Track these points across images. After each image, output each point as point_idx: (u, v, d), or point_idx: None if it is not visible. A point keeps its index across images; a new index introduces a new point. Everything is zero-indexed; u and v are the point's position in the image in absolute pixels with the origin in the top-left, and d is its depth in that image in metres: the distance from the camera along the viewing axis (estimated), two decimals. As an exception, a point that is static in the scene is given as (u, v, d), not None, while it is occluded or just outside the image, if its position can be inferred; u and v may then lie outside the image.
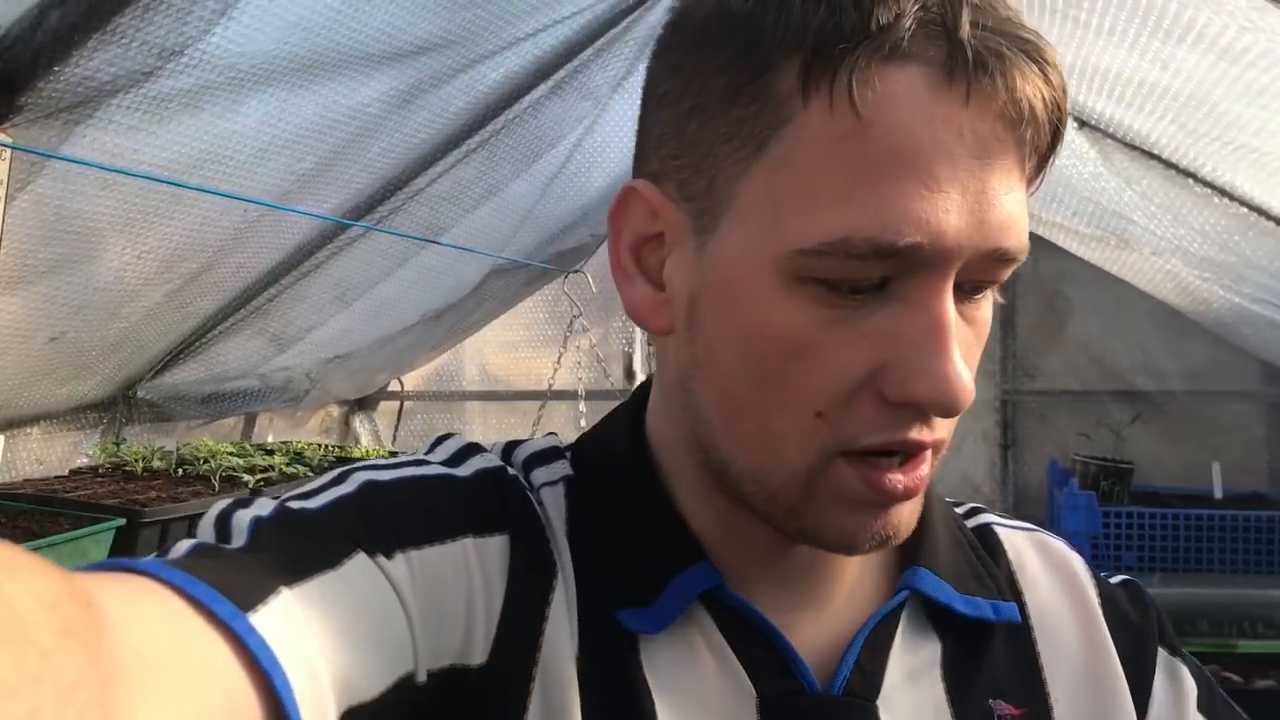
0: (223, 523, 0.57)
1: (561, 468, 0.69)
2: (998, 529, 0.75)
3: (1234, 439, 3.76)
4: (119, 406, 2.72)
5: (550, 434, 0.75)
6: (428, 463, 0.66)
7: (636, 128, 0.64)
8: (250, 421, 3.45)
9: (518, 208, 3.01)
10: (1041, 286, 3.93)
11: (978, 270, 0.54)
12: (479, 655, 0.57)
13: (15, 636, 0.32)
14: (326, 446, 3.32)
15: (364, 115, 2.10)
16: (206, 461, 2.59)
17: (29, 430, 2.52)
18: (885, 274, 0.52)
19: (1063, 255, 3.65)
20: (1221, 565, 3.01)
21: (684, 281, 0.60)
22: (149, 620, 0.43)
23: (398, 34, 1.89)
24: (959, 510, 0.77)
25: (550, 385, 3.81)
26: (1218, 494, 3.30)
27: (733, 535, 0.64)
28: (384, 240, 2.68)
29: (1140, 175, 2.76)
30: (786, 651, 0.61)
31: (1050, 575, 0.72)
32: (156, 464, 2.58)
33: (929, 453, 0.57)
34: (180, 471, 2.57)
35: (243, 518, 0.56)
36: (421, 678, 0.55)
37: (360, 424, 4.17)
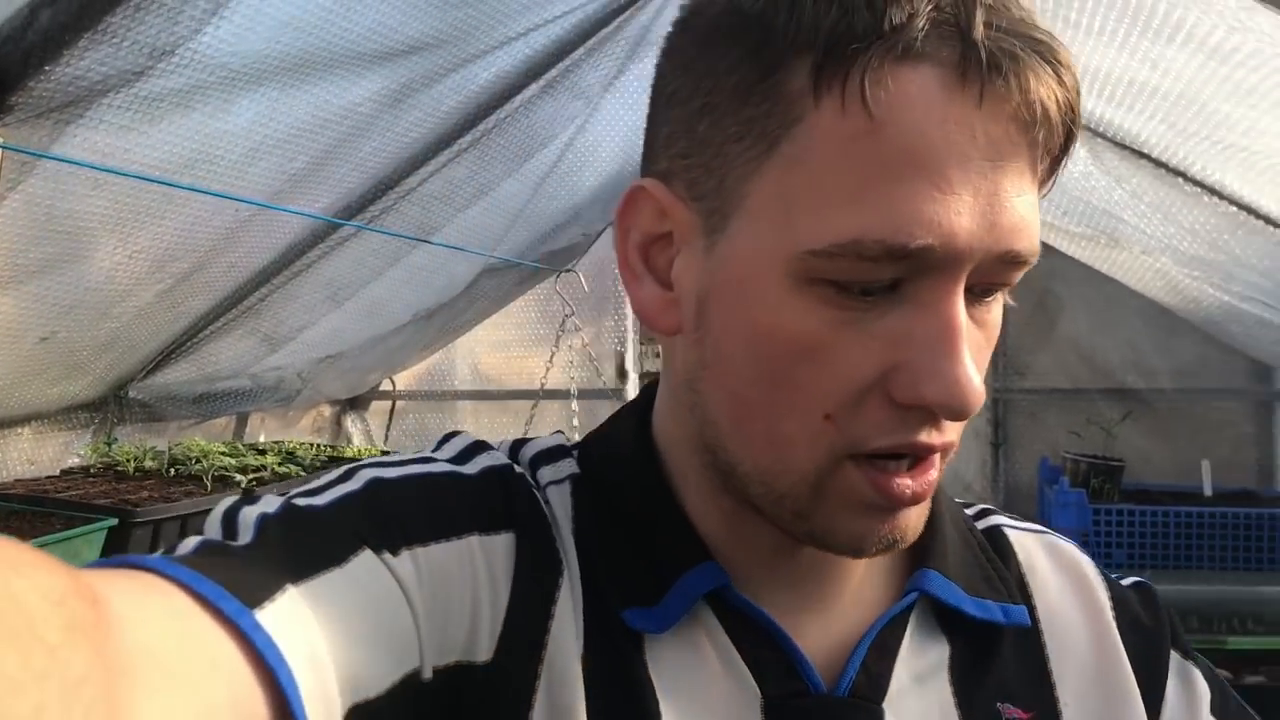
0: (229, 519, 0.57)
1: (568, 466, 0.69)
2: (1008, 531, 0.75)
3: (1223, 436, 3.77)
4: (110, 406, 2.71)
5: (557, 432, 0.75)
6: (434, 460, 0.66)
7: (645, 126, 0.64)
8: (242, 421, 3.45)
9: (509, 207, 3.00)
10: (1032, 285, 3.94)
11: (989, 273, 0.54)
12: (484, 653, 0.57)
13: (21, 632, 0.32)
14: (318, 446, 3.32)
15: (355, 115, 2.09)
16: (198, 461, 2.58)
17: (20, 430, 2.51)
18: (896, 276, 0.52)
19: (1053, 254, 3.66)
20: (1211, 562, 3.02)
21: (693, 281, 0.59)
22: (155, 617, 0.43)
23: (389, 33, 1.88)
24: (969, 512, 0.76)
25: (542, 385, 3.81)
26: (1207, 491, 3.31)
27: (738, 536, 0.64)
28: (375, 240, 2.67)
29: (1130, 174, 2.77)
30: (792, 652, 0.61)
31: (1060, 578, 0.72)
32: (148, 464, 2.57)
33: (937, 456, 0.57)
34: (172, 471, 2.56)
35: (249, 515, 0.56)
36: (427, 675, 0.55)
37: (352, 424, 4.17)
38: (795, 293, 0.53)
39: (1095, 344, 3.93)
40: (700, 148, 0.57)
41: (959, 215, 0.50)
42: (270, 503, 0.58)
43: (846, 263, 0.51)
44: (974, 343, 0.54)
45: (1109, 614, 0.70)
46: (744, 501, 0.61)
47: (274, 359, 3.08)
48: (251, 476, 2.53)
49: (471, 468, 0.65)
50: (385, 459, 0.65)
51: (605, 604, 0.61)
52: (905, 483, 0.55)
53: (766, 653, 0.61)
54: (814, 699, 0.61)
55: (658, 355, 4.01)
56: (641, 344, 4.06)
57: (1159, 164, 2.62)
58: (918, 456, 0.56)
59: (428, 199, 2.64)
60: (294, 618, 0.49)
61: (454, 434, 0.71)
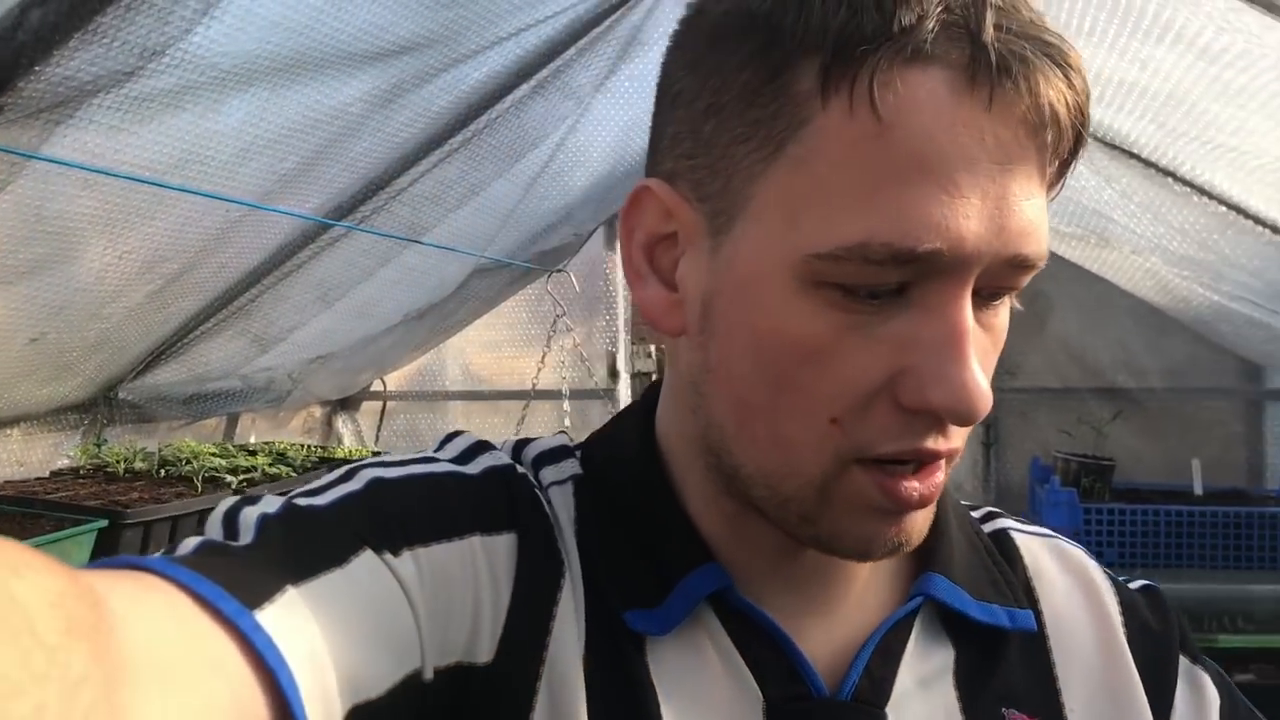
0: (230, 520, 0.57)
1: (571, 466, 0.68)
2: (1015, 535, 0.74)
3: (1213, 435, 3.79)
4: (100, 408, 2.70)
5: (560, 432, 0.74)
6: (436, 460, 0.66)
7: (650, 125, 0.63)
8: (232, 422, 3.44)
9: (500, 207, 3.00)
10: (1022, 285, 3.94)
11: (996, 277, 0.53)
12: (485, 654, 0.57)
13: (21, 634, 0.32)
14: (309, 447, 3.31)
15: (346, 115, 2.09)
16: (189, 462, 2.58)
17: (9, 432, 2.50)
18: (903, 279, 0.52)
19: (1043, 253, 3.66)
20: (1201, 561, 3.03)
21: (697, 283, 0.59)
22: (155, 618, 0.43)
23: (380, 33, 1.88)
24: (975, 515, 0.76)
25: (534, 385, 3.81)
26: (1198, 490, 3.32)
27: (741, 538, 0.64)
28: (366, 240, 2.67)
29: (1120, 174, 2.78)
30: (794, 656, 0.61)
31: (1068, 582, 0.71)
32: (138, 465, 2.56)
33: (943, 460, 0.57)
34: (162, 472, 2.56)
35: (250, 515, 0.56)
36: (428, 675, 0.55)
37: (343, 424, 4.16)
38: (801, 296, 0.53)
39: (1086, 343, 3.94)
40: (706, 148, 0.56)
41: (967, 219, 0.50)
42: (271, 503, 0.58)
43: (853, 266, 0.51)
44: (980, 347, 0.54)
45: (1117, 619, 0.70)
46: (747, 504, 0.61)
47: (264, 360, 3.08)
48: (242, 478, 2.52)
49: (474, 468, 0.65)
50: (387, 459, 0.64)
51: (607, 605, 0.61)
52: (913, 485, 0.55)
53: (768, 655, 0.61)
54: (816, 703, 0.60)
55: (649, 355, 4.02)
56: (633, 344, 4.06)
57: (1148, 164, 2.63)
58: (923, 462, 0.55)
59: (419, 199, 2.64)
60: (294, 618, 0.49)
61: (456, 434, 0.70)
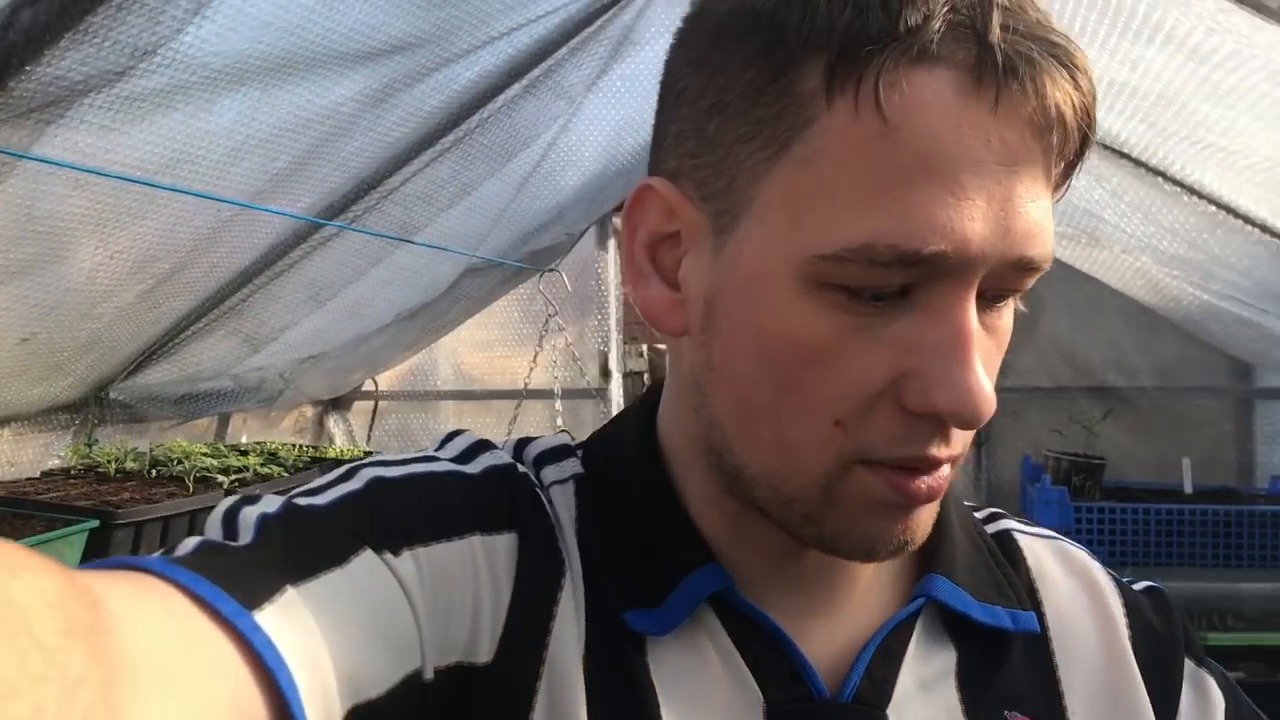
0: (230, 519, 0.56)
1: (572, 466, 0.68)
2: (1018, 536, 0.74)
3: (1203, 434, 3.80)
4: (91, 408, 2.69)
5: (562, 431, 0.74)
6: (437, 459, 0.65)
7: (653, 123, 0.62)
8: (224, 422, 3.43)
9: (492, 207, 3.00)
10: (1013, 284, 3.95)
11: (1001, 279, 0.53)
12: (485, 654, 0.57)
13: (19, 635, 0.32)
14: (301, 447, 3.31)
15: (338, 114, 2.08)
16: (180, 462, 2.57)
17: (0, 432, 2.50)
18: (907, 281, 0.51)
19: (1033, 253, 3.67)
20: (1192, 559, 3.04)
21: (700, 283, 0.58)
22: (153, 619, 0.43)
23: (371, 33, 1.88)
24: (979, 515, 0.75)
25: (526, 384, 3.81)
26: (1188, 488, 3.33)
27: (743, 538, 0.63)
28: (358, 240, 2.66)
29: (1110, 173, 2.79)
30: (795, 657, 0.61)
31: (1071, 584, 0.71)
32: (130, 465, 2.56)
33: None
34: (154, 473, 2.55)
35: (249, 514, 0.56)
36: (428, 675, 0.55)
37: (334, 424, 4.15)
38: (804, 297, 0.53)
39: (1076, 342, 3.95)
40: (710, 147, 0.56)
41: (972, 221, 0.49)
42: (271, 502, 0.57)
43: (857, 268, 0.50)
44: (985, 350, 0.54)
45: (1121, 621, 0.69)
46: (749, 504, 0.60)
47: (256, 359, 3.07)
48: (234, 477, 2.52)
49: (474, 467, 0.65)
50: (387, 458, 0.64)
51: (607, 605, 0.60)
52: (921, 478, 0.55)
53: (769, 657, 0.60)
54: (817, 704, 0.60)
55: (641, 355, 4.02)
56: (625, 344, 4.06)
57: (1139, 163, 2.64)
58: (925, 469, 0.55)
59: (410, 199, 2.64)
60: (294, 618, 0.48)
61: (457, 433, 0.70)
